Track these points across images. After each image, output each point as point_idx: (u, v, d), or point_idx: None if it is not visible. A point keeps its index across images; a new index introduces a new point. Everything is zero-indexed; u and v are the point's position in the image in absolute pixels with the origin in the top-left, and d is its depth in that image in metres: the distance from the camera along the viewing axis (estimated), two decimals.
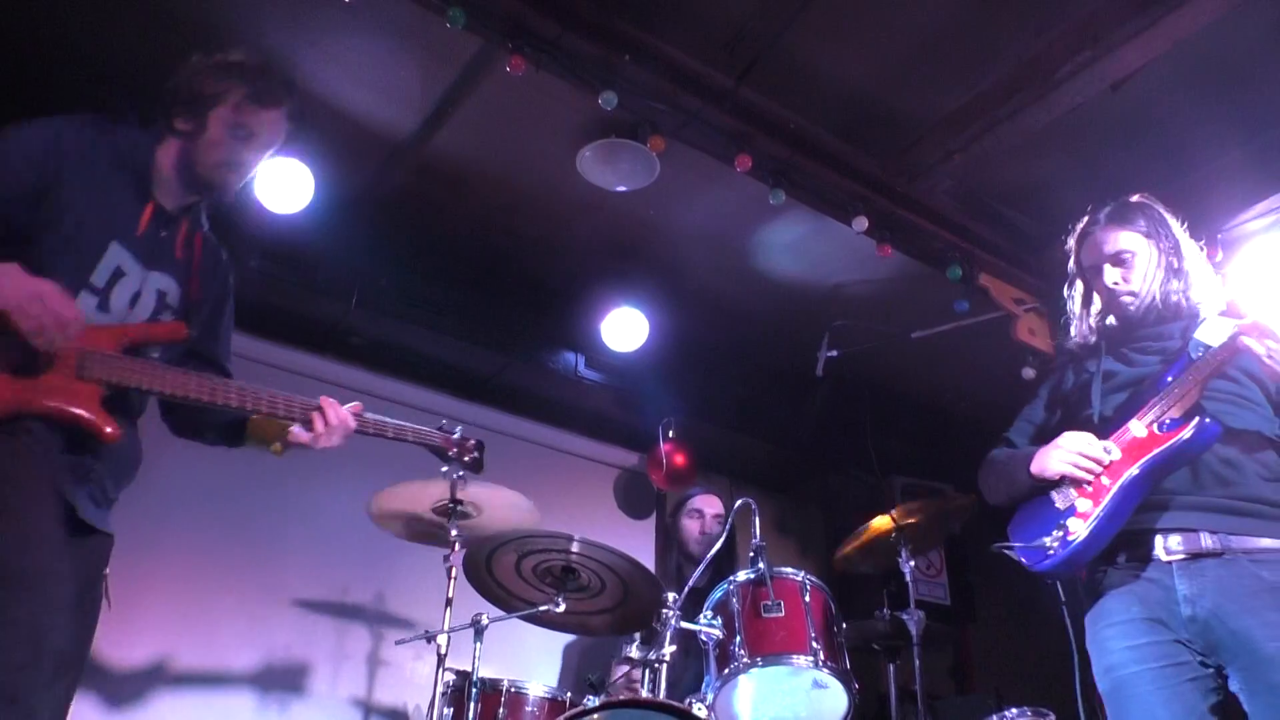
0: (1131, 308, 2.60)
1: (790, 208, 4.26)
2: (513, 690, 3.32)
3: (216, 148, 2.32)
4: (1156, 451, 2.32)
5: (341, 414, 2.42)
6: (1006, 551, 2.51)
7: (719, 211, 4.55)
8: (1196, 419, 2.28)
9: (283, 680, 4.31)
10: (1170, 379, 2.41)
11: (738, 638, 3.00)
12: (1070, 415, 2.64)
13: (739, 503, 3.31)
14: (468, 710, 3.22)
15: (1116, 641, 2.35)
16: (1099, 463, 2.39)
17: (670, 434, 5.27)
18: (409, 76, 3.90)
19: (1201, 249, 2.72)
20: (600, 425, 5.58)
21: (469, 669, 3.28)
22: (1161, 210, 2.71)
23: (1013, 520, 2.60)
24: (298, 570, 4.49)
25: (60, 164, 2.14)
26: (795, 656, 2.98)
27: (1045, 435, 2.67)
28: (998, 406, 5.28)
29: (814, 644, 3.00)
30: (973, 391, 5.58)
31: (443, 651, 3.40)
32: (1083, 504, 2.38)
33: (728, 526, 3.56)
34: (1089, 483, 2.39)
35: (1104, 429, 2.47)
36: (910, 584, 3.76)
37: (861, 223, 4.28)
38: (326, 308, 4.68)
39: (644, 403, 5.34)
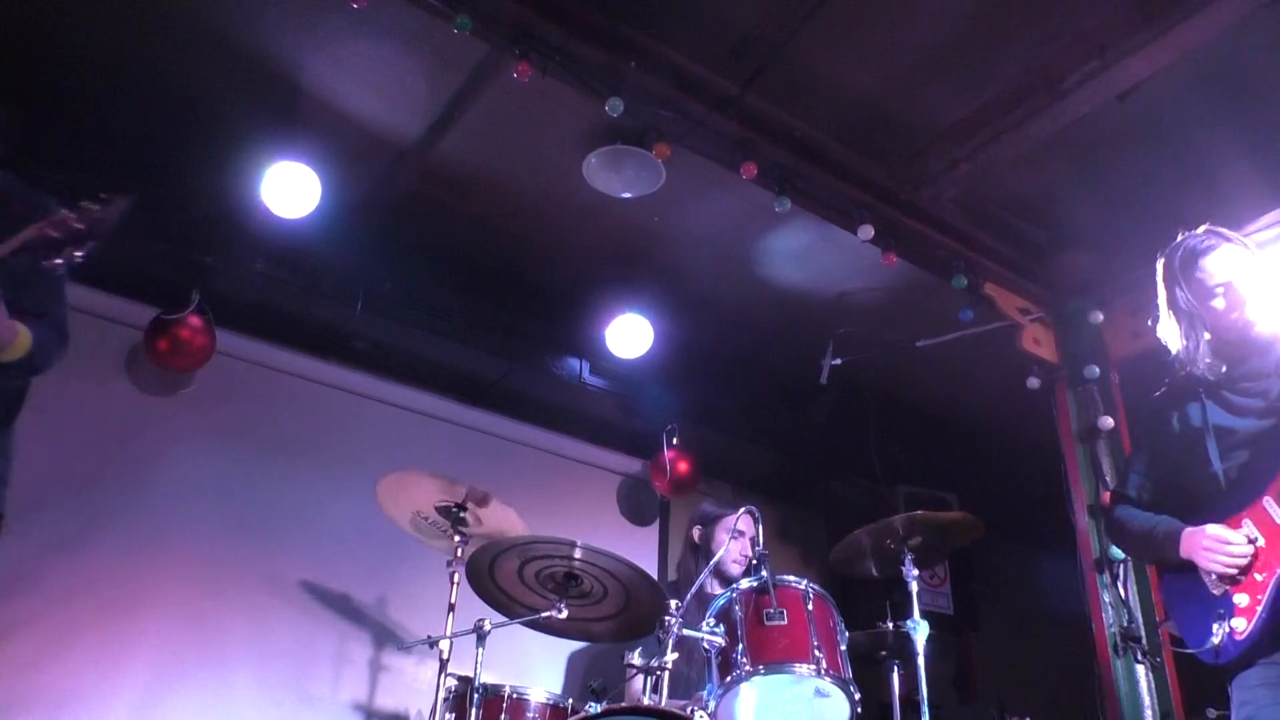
0: (1256, 329, 2.60)
1: (795, 215, 4.26)
2: (514, 696, 3.31)
3: None
4: None
5: None
6: (1178, 646, 2.61)
7: (724, 218, 4.56)
8: None
9: (284, 684, 4.31)
10: None
11: (740, 645, 3.00)
12: (1188, 472, 2.69)
13: (742, 510, 3.31)
14: (469, 716, 3.22)
15: (1254, 678, 2.44)
16: (1247, 557, 2.45)
17: (674, 441, 5.26)
18: (416, 82, 3.91)
19: None
20: (604, 431, 5.58)
21: (471, 674, 3.27)
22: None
23: (1165, 591, 2.72)
24: (300, 574, 4.48)
25: None
26: (797, 665, 2.97)
27: (1162, 491, 2.75)
28: (1002, 416, 5.34)
29: (816, 653, 2.99)
30: (977, 401, 5.58)
31: (445, 657, 3.40)
32: (1240, 598, 2.45)
33: (730, 537, 3.56)
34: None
35: (1232, 493, 2.54)
36: (914, 594, 3.75)
37: (867, 231, 4.27)
38: (331, 311, 4.69)
39: (648, 409, 5.34)
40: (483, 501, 3.63)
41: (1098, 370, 4.59)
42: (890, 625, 3.76)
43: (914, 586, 3.75)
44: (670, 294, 4.99)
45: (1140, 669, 4.12)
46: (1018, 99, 3.84)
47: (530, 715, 3.33)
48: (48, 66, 3.91)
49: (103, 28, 3.74)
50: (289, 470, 4.63)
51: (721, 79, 3.88)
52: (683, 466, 5.31)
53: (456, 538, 3.64)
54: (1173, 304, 2.72)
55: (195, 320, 4.28)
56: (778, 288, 4.99)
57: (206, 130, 4.11)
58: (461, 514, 3.64)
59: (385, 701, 4.47)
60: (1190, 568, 2.57)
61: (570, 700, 3.39)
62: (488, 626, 3.29)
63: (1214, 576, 2.51)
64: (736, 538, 4.27)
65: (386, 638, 4.55)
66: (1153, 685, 4.10)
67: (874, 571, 3.90)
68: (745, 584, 3.13)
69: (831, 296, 5.02)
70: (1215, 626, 2.45)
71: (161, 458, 4.37)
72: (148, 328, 4.28)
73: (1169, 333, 2.74)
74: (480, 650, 3.27)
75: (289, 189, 4.05)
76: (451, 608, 3.54)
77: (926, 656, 3.57)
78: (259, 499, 4.51)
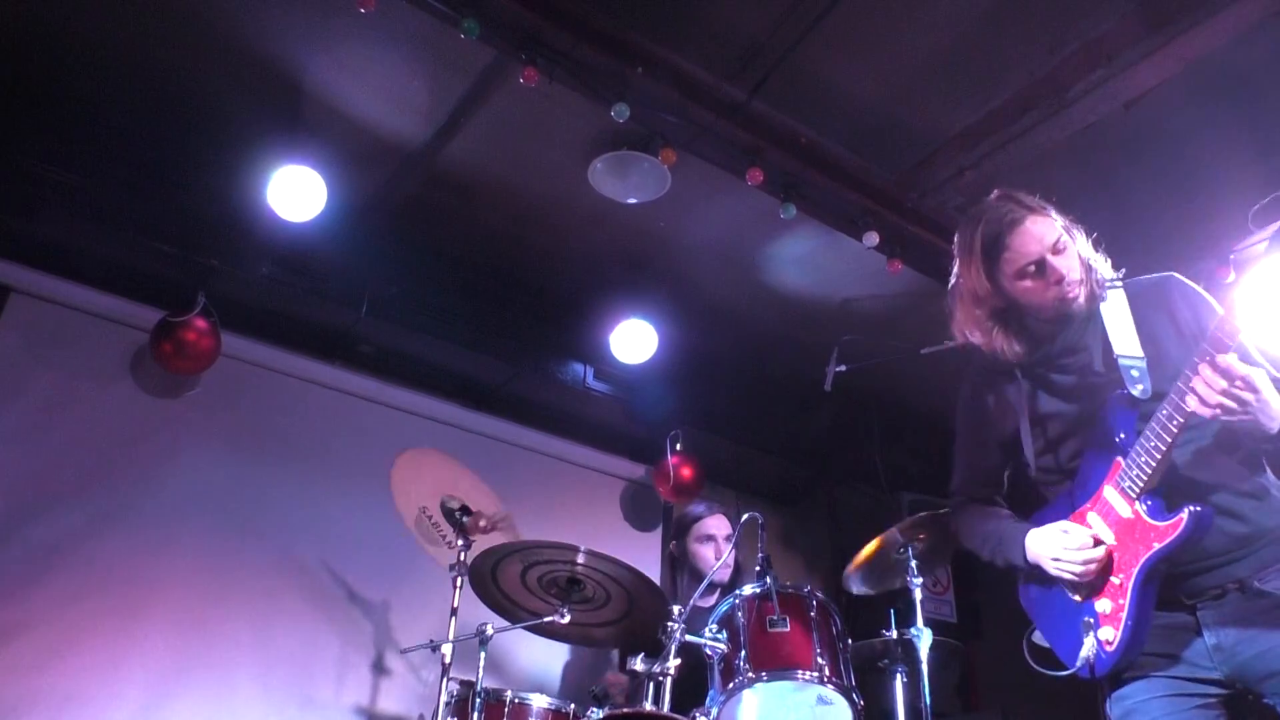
0: (1076, 302, 2.40)
1: (801, 222, 4.27)
2: (516, 701, 3.31)
3: None
4: (1158, 549, 2.22)
5: None
6: (1040, 664, 2.48)
7: (730, 224, 4.56)
8: (1188, 512, 2.18)
9: (287, 687, 4.30)
10: (1125, 432, 2.30)
11: (743, 652, 2.99)
12: (1020, 462, 2.55)
13: (745, 517, 3.31)
14: None
15: (1127, 676, 2.34)
16: (1094, 560, 2.31)
17: (678, 446, 5.26)
18: (422, 86, 3.92)
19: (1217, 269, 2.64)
20: (607, 437, 5.58)
21: (473, 679, 3.27)
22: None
23: (1026, 598, 2.56)
24: (303, 578, 4.48)
25: None
26: (800, 672, 2.97)
27: (995, 481, 2.65)
28: None
29: (819, 659, 2.99)
30: None
31: (447, 661, 3.40)
32: (1102, 605, 2.32)
33: (733, 542, 3.55)
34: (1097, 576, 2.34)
35: (1069, 486, 2.42)
36: (917, 601, 3.74)
37: (872, 238, 4.28)
38: (336, 315, 4.70)
39: (652, 415, 5.34)
40: (490, 527, 3.61)
41: None
42: (893, 633, 3.75)
43: (917, 594, 3.75)
44: (675, 300, 4.99)
45: None
46: (1024, 107, 3.84)
47: None
48: (54, 68, 3.92)
49: (111, 30, 3.75)
50: (293, 473, 4.64)
51: (728, 85, 3.89)
52: (686, 472, 5.31)
53: (460, 541, 3.64)
54: (967, 285, 2.49)
55: (201, 323, 4.29)
56: (782, 294, 4.99)
57: (213, 133, 4.12)
58: (463, 519, 3.64)
59: (387, 705, 4.46)
60: (1045, 576, 2.43)
61: (572, 706, 3.39)
62: (490, 631, 3.29)
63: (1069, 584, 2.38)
64: (708, 544, 4.24)
65: (389, 641, 4.55)
66: None
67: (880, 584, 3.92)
68: (748, 590, 3.13)
69: (836, 303, 5.02)
70: (1085, 639, 2.31)
71: (165, 460, 4.38)
72: (153, 330, 4.29)
73: (964, 313, 2.55)
74: (483, 654, 3.27)
75: (295, 192, 4.06)
76: (454, 612, 3.54)
77: (930, 664, 3.57)
78: (263, 502, 4.51)
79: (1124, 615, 2.26)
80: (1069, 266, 2.39)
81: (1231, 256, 4.21)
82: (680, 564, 4.43)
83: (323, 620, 4.47)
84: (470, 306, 4.92)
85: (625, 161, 4.02)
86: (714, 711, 2.98)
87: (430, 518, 3.73)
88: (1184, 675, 2.27)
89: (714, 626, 3.09)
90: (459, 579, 3.56)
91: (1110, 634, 2.29)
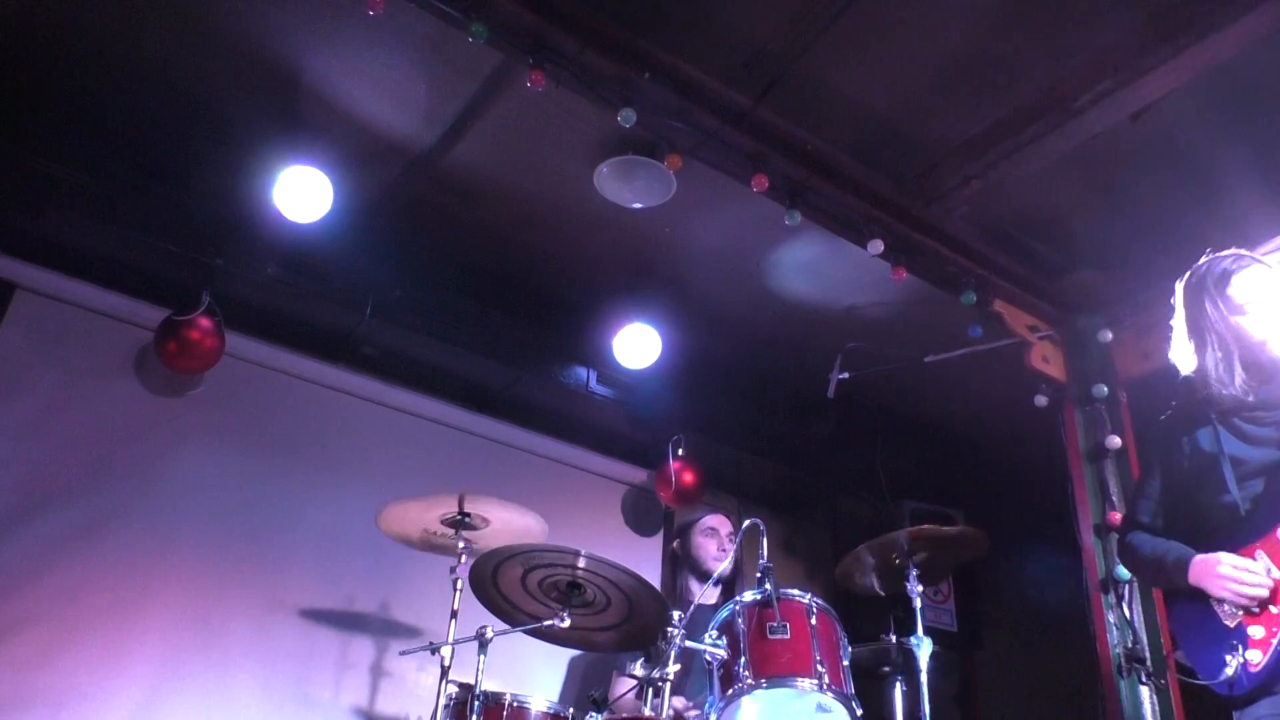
0: (1275, 352, 2.59)
1: (806, 228, 4.27)
2: (515, 704, 3.30)
3: None
4: None
5: None
6: (1187, 676, 2.59)
7: (734, 231, 4.56)
8: None
9: (286, 687, 4.30)
10: None
11: (742, 658, 2.99)
12: (1200, 499, 2.70)
13: (747, 523, 3.30)
14: None
15: (1264, 708, 2.44)
16: (1265, 588, 2.44)
17: (680, 452, 5.26)
18: (429, 89, 3.93)
19: None
20: (610, 441, 5.58)
21: (472, 682, 3.27)
22: None
23: (1174, 620, 2.71)
24: (303, 578, 4.49)
25: None
26: (800, 679, 2.96)
27: (1173, 517, 2.77)
28: (1009, 433, 5.33)
29: (819, 667, 2.97)
30: (984, 417, 5.56)
31: (446, 663, 3.40)
32: (1255, 630, 2.45)
33: (737, 544, 3.55)
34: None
35: (1245, 524, 2.54)
36: (918, 610, 3.73)
37: (877, 245, 4.27)
38: (340, 316, 4.70)
39: (654, 420, 5.34)
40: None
41: (1106, 389, 4.58)
42: (894, 640, 3.74)
43: (918, 602, 3.74)
44: (679, 305, 4.99)
45: (1144, 690, 4.10)
46: (1031, 117, 3.84)
47: None
48: (61, 66, 3.93)
49: (118, 29, 3.76)
50: (295, 473, 4.64)
51: (734, 92, 3.89)
52: (688, 477, 5.30)
53: (461, 544, 3.64)
54: (1197, 324, 2.70)
55: (205, 322, 4.30)
56: (787, 300, 5.00)
57: (220, 133, 4.13)
58: (466, 519, 3.64)
59: (386, 707, 4.46)
60: (1201, 596, 2.56)
61: (571, 710, 3.38)
62: (490, 634, 3.28)
63: (1227, 606, 2.50)
64: (710, 535, 4.33)
65: (388, 643, 4.55)
66: (1156, 707, 4.08)
67: (877, 587, 3.89)
68: (749, 596, 3.13)
69: (840, 310, 5.02)
70: (1229, 658, 2.44)
71: (168, 459, 4.38)
72: (158, 329, 4.29)
73: (1183, 355, 2.72)
74: (482, 657, 3.26)
75: (301, 193, 4.06)
76: (454, 614, 3.54)
77: (929, 673, 3.56)
78: (264, 501, 4.51)
79: (1276, 641, 2.40)
80: (1277, 318, 2.59)
81: None
82: (682, 562, 4.45)
83: (322, 620, 4.47)
84: (474, 309, 4.92)
85: (631, 166, 4.03)
86: (713, 717, 2.97)
87: (435, 534, 3.74)
88: None
89: (713, 632, 3.08)
90: (459, 581, 3.56)
91: (1258, 657, 2.41)
